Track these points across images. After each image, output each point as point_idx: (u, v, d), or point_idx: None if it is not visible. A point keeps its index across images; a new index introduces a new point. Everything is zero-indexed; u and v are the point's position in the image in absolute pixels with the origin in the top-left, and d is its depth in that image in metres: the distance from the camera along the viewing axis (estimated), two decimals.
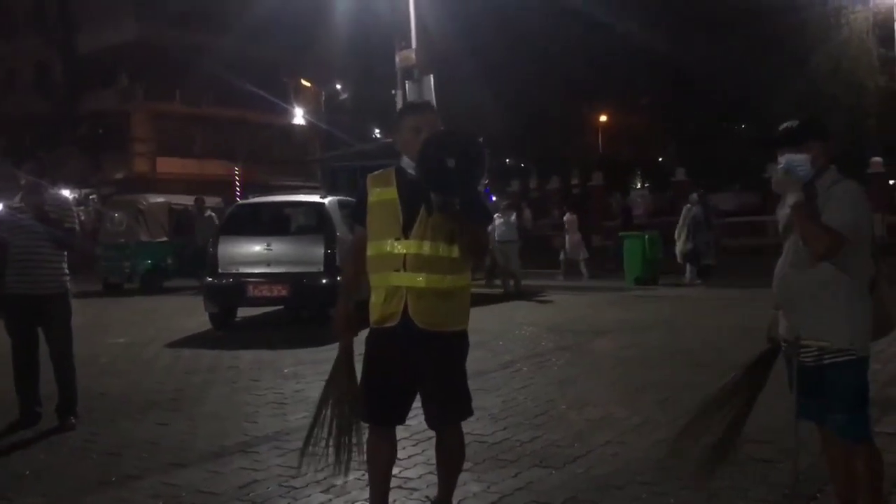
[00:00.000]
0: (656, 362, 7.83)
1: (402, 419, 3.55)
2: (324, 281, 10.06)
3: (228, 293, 10.36)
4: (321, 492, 4.36)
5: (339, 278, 10.00)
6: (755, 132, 33.98)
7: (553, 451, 4.97)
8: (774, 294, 3.57)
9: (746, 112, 33.44)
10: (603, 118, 44.20)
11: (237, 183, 32.94)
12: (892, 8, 27.08)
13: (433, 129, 3.41)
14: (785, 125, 3.52)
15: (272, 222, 11.19)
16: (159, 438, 5.48)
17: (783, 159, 3.42)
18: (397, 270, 3.36)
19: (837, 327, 3.30)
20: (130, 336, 10.34)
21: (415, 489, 4.34)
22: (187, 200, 18.49)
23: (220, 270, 10.32)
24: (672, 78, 32.93)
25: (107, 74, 37.67)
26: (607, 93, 38.38)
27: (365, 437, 3.58)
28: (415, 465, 4.68)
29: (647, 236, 16.01)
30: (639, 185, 42.50)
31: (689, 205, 16.40)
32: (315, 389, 6.85)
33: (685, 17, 28.38)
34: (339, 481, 4.49)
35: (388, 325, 3.39)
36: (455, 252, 3.39)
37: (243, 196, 30.27)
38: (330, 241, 10.12)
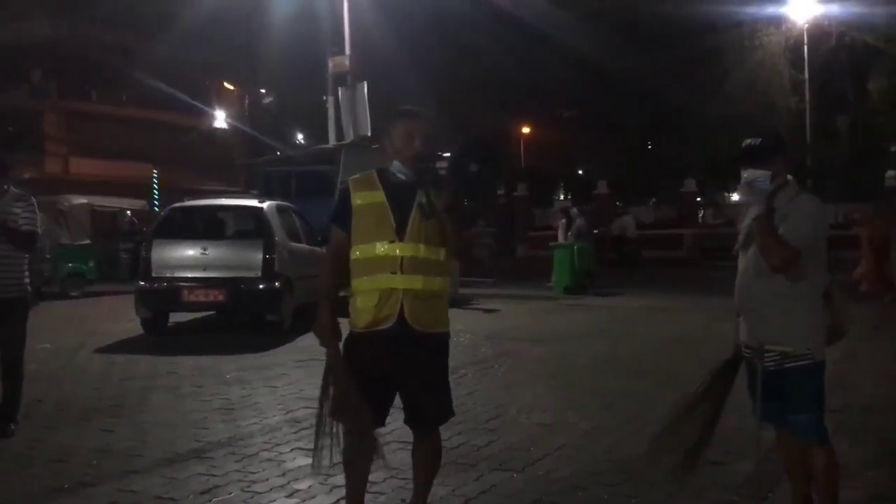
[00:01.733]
0: (597, 369, 8.02)
1: (382, 422, 3.58)
2: (262, 286, 9.94)
3: (162, 298, 10.13)
4: (285, 496, 4.33)
5: (277, 284, 9.95)
6: (673, 150, 35.16)
7: (511, 454, 5.05)
8: (736, 302, 3.73)
9: (666, 129, 34.51)
10: (526, 130, 44.94)
11: (155, 186, 32.14)
12: (803, 31, 28.40)
13: (425, 136, 3.46)
14: (748, 142, 3.69)
15: (208, 226, 10.98)
16: (107, 445, 5.33)
17: (746, 175, 3.61)
18: (394, 273, 3.39)
19: (798, 333, 3.49)
20: (57, 342, 9.97)
21: (380, 493, 4.35)
22: (112, 202, 17.98)
23: (153, 274, 10.07)
24: (595, 94, 33.72)
25: (18, 70, 36.22)
26: (531, 105, 39.07)
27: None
28: (378, 469, 4.68)
29: (576, 246, 16.35)
30: (561, 197, 43.30)
31: (563, 219, 18.63)
32: (261, 395, 6.84)
33: (608, 36, 29.10)
34: (301, 485, 4.48)
35: (381, 327, 3.40)
36: (443, 254, 3.46)
37: (162, 200, 29.57)
38: (269, 246, 10.01)
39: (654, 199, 40.59)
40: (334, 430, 3.49)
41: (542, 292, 16.32)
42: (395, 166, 3.50)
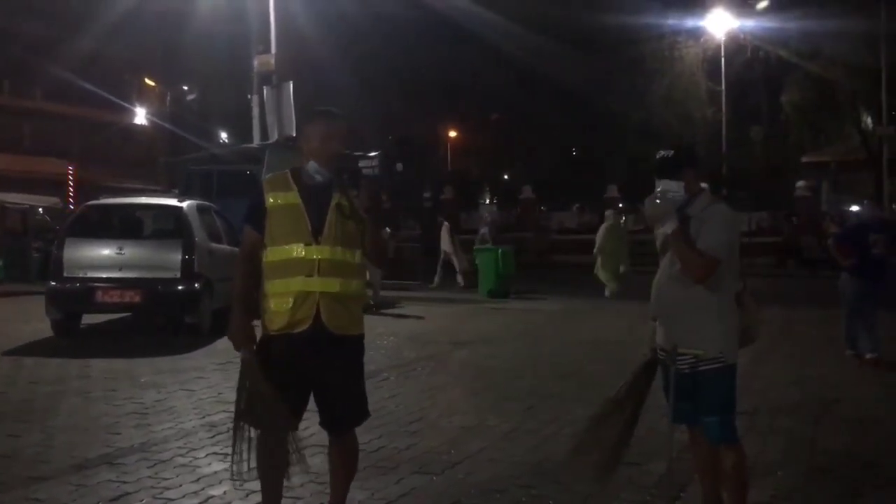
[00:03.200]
0: (518, 372, 8.10)
1: (296, 426, 3.53)
2: (180, 287, 9.71)
3: (74, 298, 9.78)
4: (199, 503, 4.22)
5: (196, 285, 9.74)
6: (597, 155, 35.86)
7: (431, 457, 5.05)
8: (652, 306, 3.81)
9: (590, 136, 35.16)
10: (453, 133, 45.14)
11: (71, 183, 31.07)
12: (721, 45, 29.32)
13: (343, 137, 3.44)
14: (661, 154, 3.77)
15: (125, 225, 10.66)
16: (12, 451, 5.13)
17: (660, 185, 3.70)
18: (310, 275, 3.34)
19: (710, 337, 3.58)
20: None
21: (298, 497, 4.29)
22: (23, 199, 17.31)
23: (65, 274, 9.72)
24: (522, 99, 34.13)
25: None
26: (458, 108, 39.28)
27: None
28: (297, 473, 4.61)
29: (500, 250, 16.48)
30: (487, 201, 43.66)
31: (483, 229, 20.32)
32: (177, 399, 6.67)
33: (536, 42, 29.51)
34: (216, 491, 4.39)
35: (296, 330, 3.35)
36: (358, 257, 3.44)
37: (76, 197, 28.61)
38: (188, 247, 9.78)
39: (577, 205, 41.27)
40: (249, 434, 3.42)
41: (465, 295, 16.42)
42: (312, 167, 3.46)
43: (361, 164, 3.40)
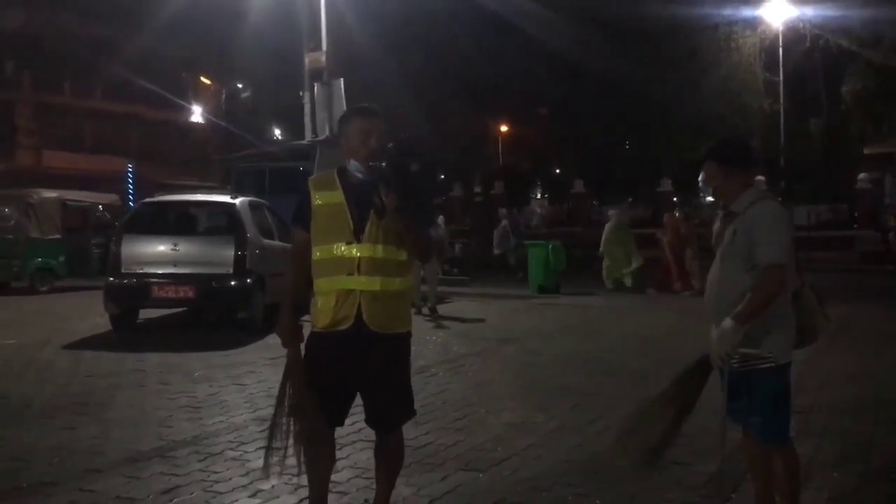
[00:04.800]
0: (565, 369, 8.04)
1: (341, 422, 3.56)
2: (233, 283, 9.87)
3: (131, 294, 10.01)
4: (248, 496, 4.29)
5: (249, 280, 9.88)
6: (650, 149, 35.34)
7: (477, 454, 5.05)
8: (706, 304, 3.74)
9: (643, 129, 34.68)
10: (504, 128, 44.98)
11: (129, 180, 31.80)
12: (779, 34, 28.62)
13: (381, 134, 3.44)
14: (720, 142, 3.82)
15: (179, 222, 10.86)
16: (68, 444, 5.26)
17: (702, 171, 3.73)
18: (351, 274, 3.36)
19: (760, 336, 3.50)
20: (23, 337, 9.85)
21: (344, 493, 4.33)
22: (84, 196, 17.74)
23: (122, 270, 9.95)
24: (573, 92, 33.82)
25: None
26: (509, 103, 39.10)
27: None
28: (342, 469, 4.66)
29: (550, 246, 16.37)
30: (538, 195, 43.42)
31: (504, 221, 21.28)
32: (228, 393, 6.77)
33: (588, 34, 29.19)
34: (265, 485, 4.44)
35: (339, 328, 3.38)
36: (403, 255, 3.44)
37: (136, 194, 29.24)
38: (241, 243, 9.93)
39: (630, 199, 40.80)
40: (291, 429, 3.46)
41: (515, 291, 16.34)
42: (353, 165, 3.47)
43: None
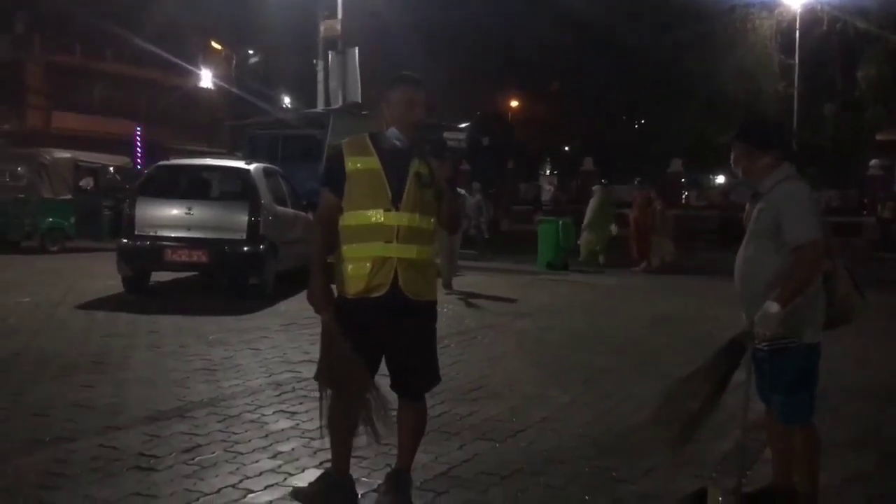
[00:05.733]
0: (577, 345, 8.07)
1: (375, 385, 3.58)
2: (246, 248, 9.88)
3: (144, 256, 10.02)
4: (268, 458, 4.33)
5: (262, 247, 9.90)
6: (660, 129, 35.19)
7: (493, 425, 5.08)
8: (735, 284, 3.74)
9: (655, 108, 34.49)
10: (514, 103, 44.77)
11: (138, 144, 31.77)
12: (796, 17, 28.35)
13: (424, 105, 3.44)
14: (747, 121, 3.81)
15: (193, 186, 10.86)
16: (87, 401, 5.31)
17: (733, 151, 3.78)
18: (389, 242, 3.37)
19: (787, 316, 3.49)
20: (36, 296, 9.91)
21: (363, 457, 4.36)
22: (96, 158, 17.73)
23: (136, 232, 9.97)
24: (585, 70, 33.62)
25: (1, 21, 35.52)
26: (520, 78, 38.90)
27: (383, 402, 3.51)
28: (361, 434, 4.69)
29: (560, 222, 16.35)
30: (547, 172, 43.29)
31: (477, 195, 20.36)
32: (243, 357, 6.81)
33: (601, 13, 28.95)
34: (284, 447, 4.49)
35: (373, 295, 3.39)
36: (433, 224, 3.46)
37: (143, 158, 29.23)
38: (255, 209, 9.93)
39: (638, 179, 40.67)
40: (327, 393, 3.49)
41: (525, 266, 16.35)
42: (393, 133, 3.46)
43: (447, 135, 3.38)
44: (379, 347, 3.50)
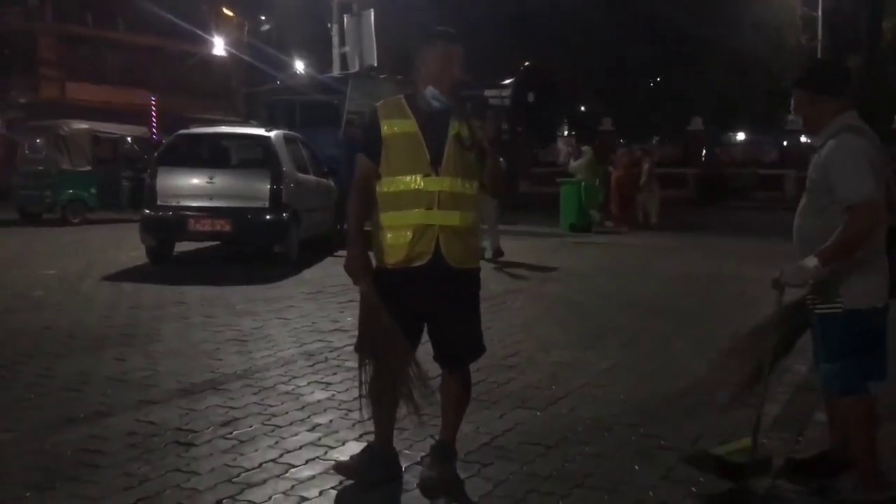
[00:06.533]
0: (609, 307, 7.95)
1: (415, 358, 3.47)
2: (269, 217, 9.79)
3: (168, 226, 9.95)
4: (307, 430, 4.24)
5: (285, 215, 9.80)
6: (680, 87, 34.63)
7: (532, 392, 4.98)
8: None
9: (673, 65, 33.93)
10: (526, 63, 44.12)
11: (153, 113, 31.63)
12: None
13: (462, 61, 3.27)
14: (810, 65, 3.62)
15: (214, 154, 10.75)
16: (121, 375, 5.25)
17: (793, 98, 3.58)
18: (430, 208, 3.22)
19: (830, 279, 3.32)
20: (61, 268, 9.88)
21: (403, 428, 4.25)
22: (114, 128, 17.63)
23: (158, 202, 9.88)
24: (602, 27, 33.04)
25: None
26: (537, 35, 38.23)
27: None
28: (426, 404, 4.58)
29: (583, 184, 16.13)
30: (565, 133, 42.80)
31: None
32: (273, 327, 6.73)
33: None
34: (322, 419, 4.41)
35: (415, 264, 3.26)
36: (475, 189, 3.31)
37: (159, 127, 29.10)
38: (276, 177, 9.81)
39: (656, 138, 40.18)
40: (367, 366, 3.38)
41: (546, 229, 16.18)
42: (430, 92, 3.29)
43: (489, 93, 3.22)
44: (420, 318, 3.39)
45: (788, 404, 4.73)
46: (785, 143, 32.34)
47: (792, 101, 3.57)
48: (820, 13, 27.97)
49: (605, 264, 11.33)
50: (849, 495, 3.38)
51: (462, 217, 3.27)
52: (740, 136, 41.98)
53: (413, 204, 3.24)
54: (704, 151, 34.26)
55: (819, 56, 27.89)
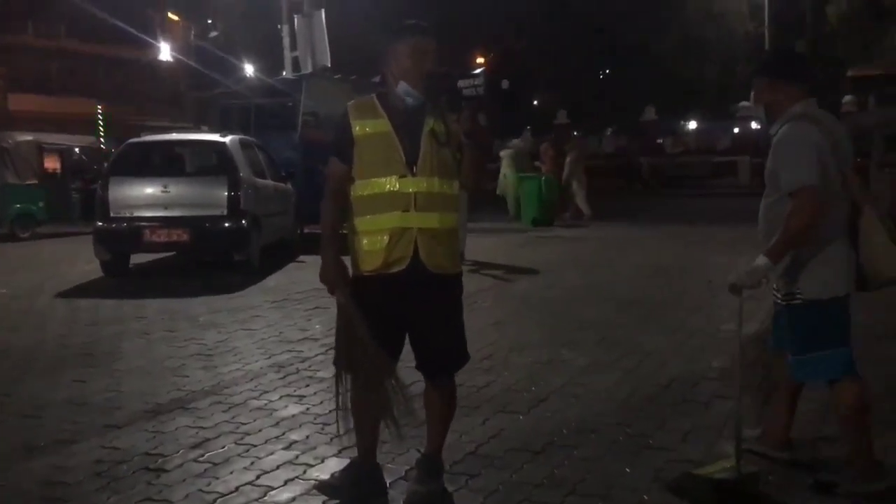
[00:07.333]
0: (581, 302, 7.87)
1: (396, 370, 3.31)
2: (228, 224, 9.53)
3: (122, 238, 9.64)
4: (283, 448, 4.06)
5: (244, 222, 9.56)
6: (630, 77, 34.87)
7: (512, 396, 4.85)
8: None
9: (624, 56, 34.17)
10: (480, 60, 44.11)
11: (100, 122, 30.90)
12: None
13: (435, 55, 3.12)
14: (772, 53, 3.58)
15: (168, 162, 10.46)
16: (82, 398, 5.00)
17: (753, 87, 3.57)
18: (406, 211, 3.06)
19: (788, 270, 3.29)
20: (13, 286, 9.51)
21: (383, 441, 4.10)
22: (60, 139, 17.14)
23: (111, 214, 9.56)
24: (552, 19, 33.13)
25: None
26: (486, 34, 38.23)
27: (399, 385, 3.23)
28: (403, 419, 4.42)
29: (543, 178, 16.09)
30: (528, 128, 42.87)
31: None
32: (239, 339, 6.52)
33: None
34: (298, 435, 4.23)
35: (392, 270, 3.10)
36: (456, 187, 3.16)
37: (108, 136, 28.41)
38: (234, 183, 9.55)
39: (610, 129, 40.43)
40: (346, 380, 3.21)
41: (509, 225, 16.11)
42: (403, 88, 3.13)
43: (461, 83, 3.07)
44: (401, 327, 3.23)
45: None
46: (736, 129, 32.76)
47: (752, 89, 3.49)
48: (766, 1, 28.33)
49: (570, 258, 11.28)
50: (848, 488, 3.31)
51: (441, 219, 3.11)
52: (692, 124, 42.43)
53: (389, 207, 3.08)
54: (659, 140, 34.58)
55: (767, 43, 28.32)
